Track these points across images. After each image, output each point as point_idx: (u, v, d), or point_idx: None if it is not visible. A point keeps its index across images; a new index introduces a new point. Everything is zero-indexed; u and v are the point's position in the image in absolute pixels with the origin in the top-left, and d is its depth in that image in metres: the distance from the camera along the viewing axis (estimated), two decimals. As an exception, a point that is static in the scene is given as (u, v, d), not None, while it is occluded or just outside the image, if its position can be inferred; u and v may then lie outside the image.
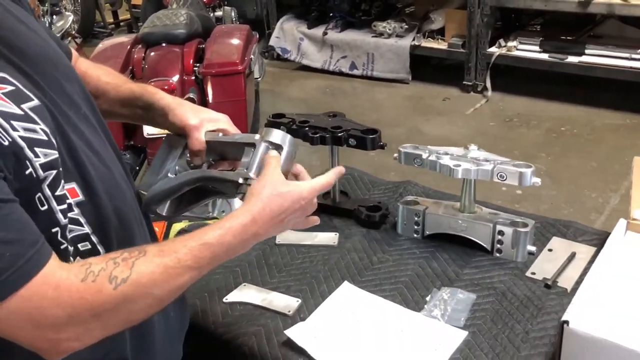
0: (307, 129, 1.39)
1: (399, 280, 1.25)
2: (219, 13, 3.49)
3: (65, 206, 0.74)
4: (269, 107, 3.95)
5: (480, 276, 1.24)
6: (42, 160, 0.71)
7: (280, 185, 0.89)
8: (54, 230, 0.74)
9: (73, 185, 0.77)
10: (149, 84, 2.47)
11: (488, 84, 4.08)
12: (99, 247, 0.81)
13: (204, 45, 2.75)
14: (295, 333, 1.10)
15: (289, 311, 1.17)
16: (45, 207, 0.72)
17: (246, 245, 0.85)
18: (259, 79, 3.24)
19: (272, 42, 4.94)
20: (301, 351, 1.07)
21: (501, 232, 1.28)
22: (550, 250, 1.31)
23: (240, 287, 1.25)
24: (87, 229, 0.79)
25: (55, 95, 0.77)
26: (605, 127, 3.56)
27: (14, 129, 0.68)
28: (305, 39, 4.83)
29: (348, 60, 4.63)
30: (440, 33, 4.32)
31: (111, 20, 6.57)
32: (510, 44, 3.95)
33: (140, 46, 2.71)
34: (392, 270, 1.28)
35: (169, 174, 0.99)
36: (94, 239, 0.80)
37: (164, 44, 2.66)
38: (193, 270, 0.77)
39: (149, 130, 2.49)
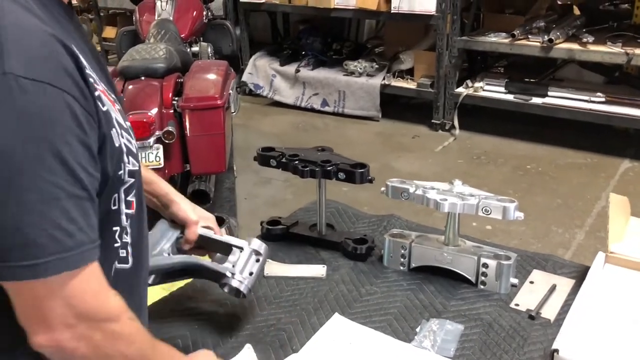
0: (296, 162, 1.42)
1: (388, 312, 1.27)
2: (195, 48, 3.52)
3: (128, 211, 0.87)
4: (242, 141, 3.98)
5: (466, 307, 1.28)
6: (130, 167, 0.86)
7: None
8: (114, 228, 0.86)
9: (133, 198, 0.89)
10: (128, 117, 2.47)
11: (456, 123, 4.21)
12: (130, 258, 0.92)
13: (182, 80, 2.77)
14: (291, 362, 1.11)
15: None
16: (116, 207, 0.85)
17: None
18: (234, 113, 3.27)
19: (245, 77, 5.01)
20: (296, 381, 1.08)
21: (485, 265, 1.32)
22: (531, 282, 1.36)
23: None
24: (129, 239, 0.90)
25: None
26: (568, 165, 3.70)
27: (122, 136, 0.84)
28: (278, 76, 4.91)
29: (320, 97, 4.72)
30: (410, 73, 4.46)
31: (80, 52, 6.53)
32: (477, 84, 4.10)
33: (118, 79, 2.71)
34: (380, 302, 1.31)
35: (164, 254, 1.18)
36: (129, 249, 0.91)
37: (142, 78, 2.67)
38: None
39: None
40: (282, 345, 1.18)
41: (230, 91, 2.86)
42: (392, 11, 4.12)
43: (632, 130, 3.90)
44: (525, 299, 1.30)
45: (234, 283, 1.16)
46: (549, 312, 1.25)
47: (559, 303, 1.28)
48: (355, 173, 1.38)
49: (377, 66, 4.59)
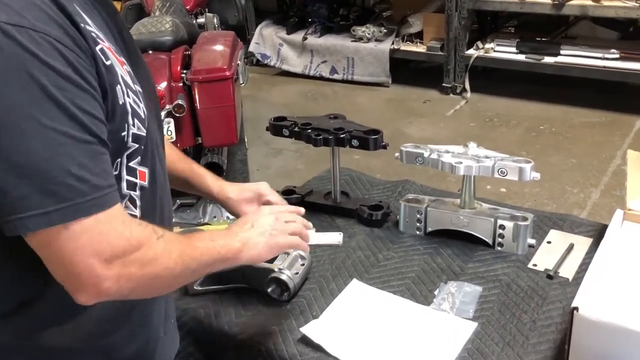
0: (309, 130, 1.42)
1: (406, 276, 1.28)
2: (201, 20, 3.48)
3: (132, 180, 0.84)
4: (251, 112, 3.96)
5: (484, 269, 1.28)
6: (135, 130, 0.82)
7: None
8: None
9: (146, 169, 0.86)
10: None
11: (467, 86, 4.16)
12: None
13: (190, 52, 2.75)
14: (310, 330, 1.12)
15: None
16: (117, 172, 0.81)
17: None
18: (243, 85, 3.25)
19: (252, 48, 4.96)
20: (317, 347, 1.09)
21: (502, 227, 1.32)
22: (549, 242, 1.36)
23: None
24: (137, 213, 0.86)
25: (143, 90, 0.88)
26: (582, 124, 3.66)
27: (128, 96, 0.80)
28: (285, 45, 4.86)
29: (328, 65, 4.67)
30: (419, 36, 4.39)
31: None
32: (487, 45, 4.03)
33: (126, 54, 2.70)
34: (398, 266, 1.32)
35: None
36: None
37: (150, 52, 2.65)
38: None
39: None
40: (302, 312, 1.19)
41: (239, 62, 2.84)
42: (399, -27, 4.04)
43: (647, 86, 3.84)
44: (543, 259, 1.30)
45: (283, 277, 1.19)
46: (567, 271, 1.25)
47: (577, 262, 1.28)
48: (369, 139, 1.38)
49: (385, 31, 4.52)
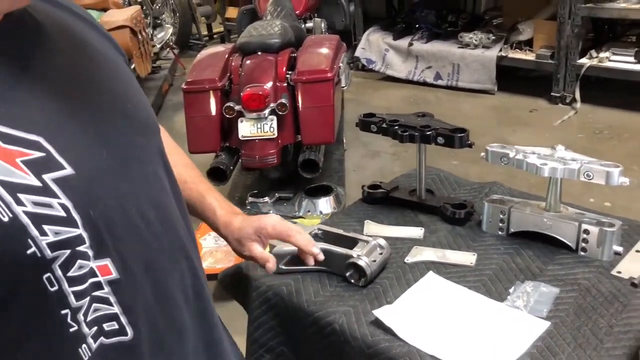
0: (396, 127, 1.47)
1: (483, 273, 1.30)
2: (309, 24, 3.64)
3: (84, 286, 0.65)
4: (354, 114, 4.04)
5: (564, 272, 1.27)
6: (51, 239, 0.61)
7: None
8: (63, 312, 0.64)
9: (107, 262, 0.67)
10: (245, 90, 2.64)
11: (577, 96, 3.99)
12: (127, 328, 0.70)
13: (296, 54, 2.89)
14: (382, 313, 1.18)
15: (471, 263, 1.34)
16: (56, 287, 0.63)
17: None
18: (345, 88, 3.35)
19: (358, 53, 5.07)
20: (388, 330, 1.14)
21: (587, 231, 1.30)
22: (637, 251, 1.31)
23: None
24: (116, 309, 0.69)
25: (118, 149, 0.69)
26: None
27: (20, 203, 0.58)
28: (391, 50, 4.92)
29: (433, 71, 4.67)
30: (528, 44, 4.27)
31: (205, 32, 6.95)
32: (602, 55, 3.85)
33: (237, 54, 2.89)
34: (476, 263, 1.34)
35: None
36: (122, 319, 0.70)
37: (259, 53, 2.83)
38: None
39: (243, 132, 2.66)
40: (377, 297, 1.25)
41: (341, 64, 2.94)
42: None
43: None
44: (629, 267, 1.26)
45: (361, 262, 1.25)
46: (654, 280, 1.22)
47: (667, 272, 1.23)
48: (455, 137, 1.41)
49: (493, 37, 4.45)
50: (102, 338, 0.68)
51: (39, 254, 0.60)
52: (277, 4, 3.45)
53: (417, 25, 4.89)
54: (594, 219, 1.33)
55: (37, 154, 0.60)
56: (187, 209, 0.92)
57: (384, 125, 1.49)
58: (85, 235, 0.64)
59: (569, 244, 1.33)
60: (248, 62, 2.81)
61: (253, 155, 2.71)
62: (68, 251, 0.63)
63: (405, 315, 1.18)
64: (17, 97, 0.61)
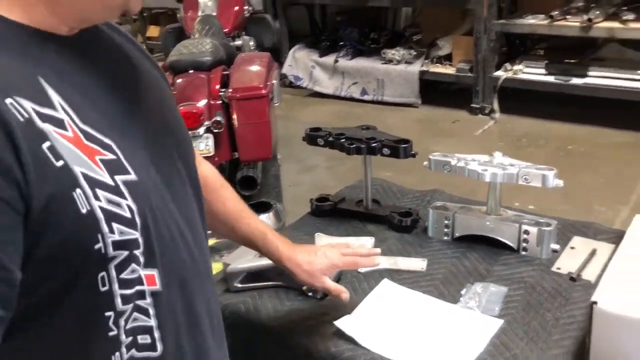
0: (343, 140, 1.51)
1: (435, 277, 1.35)
2: (238, 42, 3.65)
3: (130, 292, 0.67)
4: (284, 131, 4.08)
5: (509, 272, 1.35)
6: (116, 237, 0.64)
7: None
8: (107, 314, 0.66)
9: (154, 272, 0.70)
10: (179, 108, 2.61)
11: (496, 106, 4.22)
12: (158, 344, 0.71)
13: (228, 72, 2.89)
14: (343, 324, 1.20)
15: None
16: (106, 288, 0.65)
17: None
18: (277, 105, 3.38)
19: (285, 70, 5.12)
20: (350, 340, 1.17)
21: (527, 232, 1.39)
22: (572, 248, 1.41)
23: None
24: (152, 322, 0.70)
25: (164, 169, 0.73)
26: (611, 145, 3.68)
27: (97, 198, 0.62)
28: (317, 67, 5.00)
29: (359, 87, 4.79)
30: (448, 59, 4.48)
31: (126, 52, 6.76)
32: (516, 67, 4.10)
33: (167, 73, 2.85)
34: (427, 268, 1.39)
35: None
36: (156, 334, 0.71)
37: (191, 71, 2.80)
38: None
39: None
40: (336, 308, 1.25)
41: (274, 82, 2.97)
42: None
43: (678, 107, 3.85)
44: (566, 263, 1.36)
45: None
46: (590, 274, 1.31)
47: (600, 266, 1.33)
48: (399, 148, 1.46)
49: (415, 53, 4.63)
50: (133, 350, 0.69)
51: (103, 251, 0.63)
52: (205, 23, 3.44)
53: (341, 43, 5.01)
54: (532, 220, 1.41)
55: (111, 156, 0.64)
56: (245, 242, 1.11)
57: (331, 139, 1.52)
58: (140, 240, 0.67)
59: (511, 244, 1.41)
60: (179, 80, 2.78)
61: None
62: (126, 253, 0.65)
63: (365, 323, 1.21)
64: (95, 101, 0.66)
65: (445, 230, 1.48)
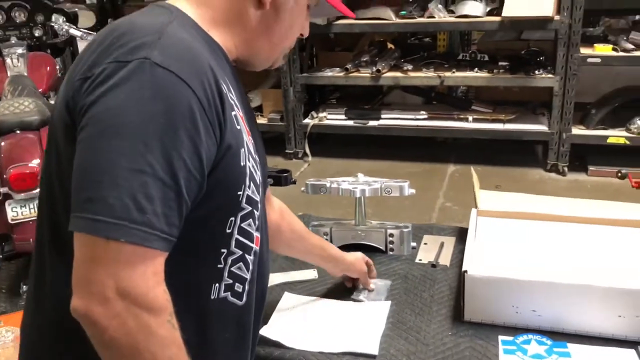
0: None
1: (326, 282, 1.57)
2: (52, 101, 3.53)
3: (245, 242, 0.91)
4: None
5: (384, 268, 1.63)
6: (250, 193, 0.89)
7: None
8: (222, 250, 0.88)
9: (259, 235, 0.94)
10: (10, 171, 2.47)
11: (307, 151, 4.65)
12: (244, 296, 0.94)
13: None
14: (266, 332, 1.34)
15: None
16: (229, 230, 0.88)
17: None
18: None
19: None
20: (276, 343, 1.32)
21: (391, 234, 1.69)
22: (425, 243, 1.75)
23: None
24: (248, 276, 0.94)
25: (262, 171, 1.00)
26: (408, 174, 4.30)
27: (249, 160, 0.89)
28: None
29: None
30: (259, 110, 4.82)
31: None
32: (321, 114, 4.59)
33: (-11, 136, 2.68)
34: (318, 277, 1.60)
35: None
36: (247, 287, 0.94)
37: (17, 131, 2.68)
38: None
39: (12, 216, 2.47)
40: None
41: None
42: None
43: (451, 139, 4.67)
44: (425, 255, 1.68)
45: None
46: (444, 260, 1.65)
47: (449, 253, 1.68)
48: (281, 177, 1.68)
49: (226, 107, 4.88)
50: (228, 293, 0.92)
51: (240, 198, 0.88)
52: (17, 83, 3.28)
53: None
54: (392, 225, 1.72)
55: (251, 142, 0.92)
56: (307, 256, 1.46)
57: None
58: (259, 205, 0.94)
59: (380, 247, 1.70)
60: (6, 142, 2.63)
61: (27, 238, 2.51)
62: (250, 209, 0.90)
63: (281, 329, 1.38)
64: (242, 107, 0.93)
65: (324, 244, 1.71)
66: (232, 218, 0.88)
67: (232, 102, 0.87)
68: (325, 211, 3.19)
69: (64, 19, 3.77)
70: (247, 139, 0.90)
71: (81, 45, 4.57)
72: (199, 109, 0.79)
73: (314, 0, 1.02)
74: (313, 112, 4.65)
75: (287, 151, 4.69)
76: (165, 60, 0.78)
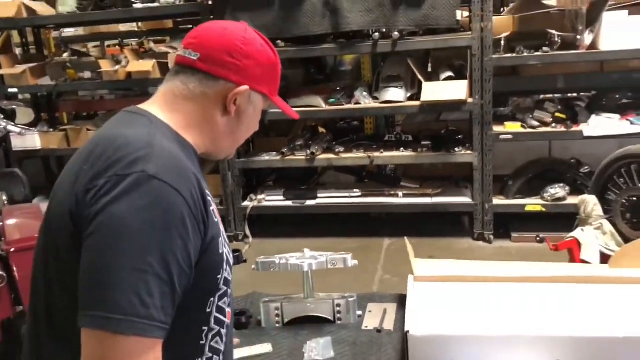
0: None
1: (280, 356, 1.67)
2: (-11, 198, 3.51)
3: (221, 317, 1.04)
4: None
5: (334, 337, 1.75)
6: (226, 275, 1.04)
7: None
8: (204, 327, 1.02)
9: (230, 310, 1.07)
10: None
11: (248, 232, 4.75)
12: None
13: (-4, 225, 2.81)
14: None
15: None
16: (209, 310, 1.02)
17: None
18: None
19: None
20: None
21: (339, 305, 1.82)
22: (370, 311, 1.89)
23: None
24: (222, 347, 1.06)
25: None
26: (346, 249, 4.44)
27: (225, 247, 1.05)
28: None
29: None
30: (198, 195, 4.92)
31: None
32: (259, 197, 4.74)
33: None
34: (273, 349, 1.70)
35: None
36: (221, 357, 1.06)
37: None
38: None
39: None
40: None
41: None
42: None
43: (385, 214, 4.92)
44: (370, 322, 1.82)
45: None
46: (388, 325, 1.79)
47: (392, 319, 1.83)
48: (234, 257, 1.79)
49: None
50: None
51: (218, 281, 1.02)
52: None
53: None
54: (339, 296, 1.86)
55: (223, 231, 1.09)
56: None
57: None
58: (231, 285, 1.07)
59: (329, 317, 1.82)
60: None
61: None
62: (226, 288, 1.04)
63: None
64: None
65: (277, 318, 1.83)
66: (212, 298, 1.02)
67: (210, 199, 1.02)
68: (271, 288, 3.28)
69: (2, 117, 3.82)
70: (221, 226, 1.06)
71: (17, 142, 4.60)
72: (188, 212, 0.93)
73: (267, 104, 1.20)
74: (252, 195, 4.79)
75: (227, 234, 4.77)
76: (159, 173, 0.93)
